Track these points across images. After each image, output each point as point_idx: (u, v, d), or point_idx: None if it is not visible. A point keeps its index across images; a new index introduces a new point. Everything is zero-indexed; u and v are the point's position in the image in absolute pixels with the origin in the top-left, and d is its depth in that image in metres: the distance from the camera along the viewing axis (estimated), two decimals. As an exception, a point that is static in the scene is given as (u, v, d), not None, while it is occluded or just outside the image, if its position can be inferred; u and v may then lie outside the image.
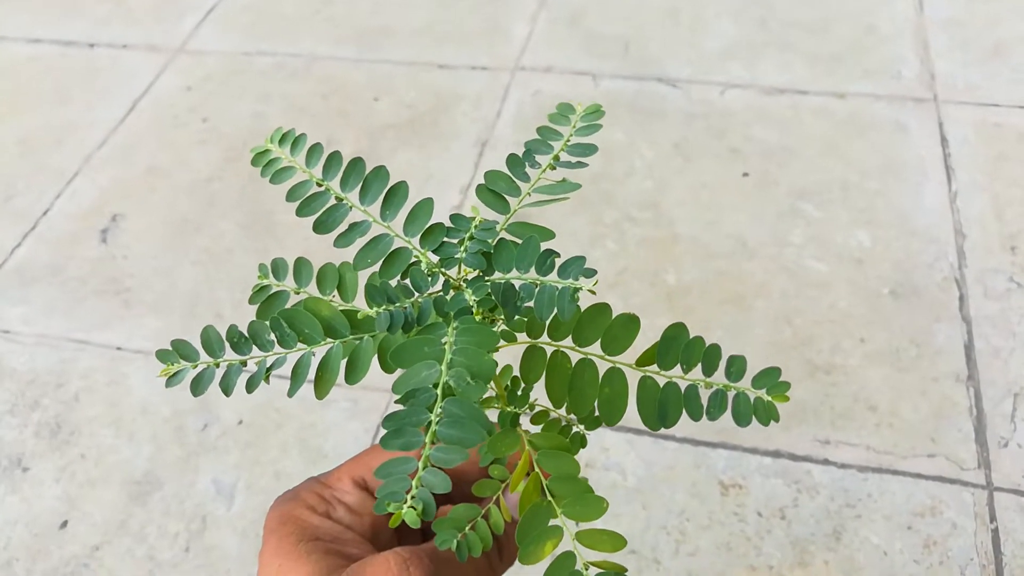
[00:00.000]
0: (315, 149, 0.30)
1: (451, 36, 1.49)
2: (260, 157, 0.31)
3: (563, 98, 1.37)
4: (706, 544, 0.84)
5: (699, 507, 0.87)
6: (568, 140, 0.31)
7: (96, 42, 1.54)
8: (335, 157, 0.30)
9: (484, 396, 0.26)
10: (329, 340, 0.29)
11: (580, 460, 0.92)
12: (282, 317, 0.28)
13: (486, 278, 0.28)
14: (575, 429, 0.33)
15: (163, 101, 1.41)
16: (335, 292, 0.32)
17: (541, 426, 0.33)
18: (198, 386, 0.28)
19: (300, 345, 0.28)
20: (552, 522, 0.28)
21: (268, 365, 0.28)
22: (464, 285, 0.28)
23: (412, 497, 0.23)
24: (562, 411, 0.32)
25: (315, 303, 0.30)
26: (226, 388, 0.29)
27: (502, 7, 1.54)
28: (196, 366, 0.28)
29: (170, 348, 0.28)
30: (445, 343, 0.24)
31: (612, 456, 0.91)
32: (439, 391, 0.23)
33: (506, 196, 0.30)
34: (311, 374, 0.30)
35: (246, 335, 0.28)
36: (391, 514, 0.33)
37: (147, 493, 0.91)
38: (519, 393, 0.32)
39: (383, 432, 0.24)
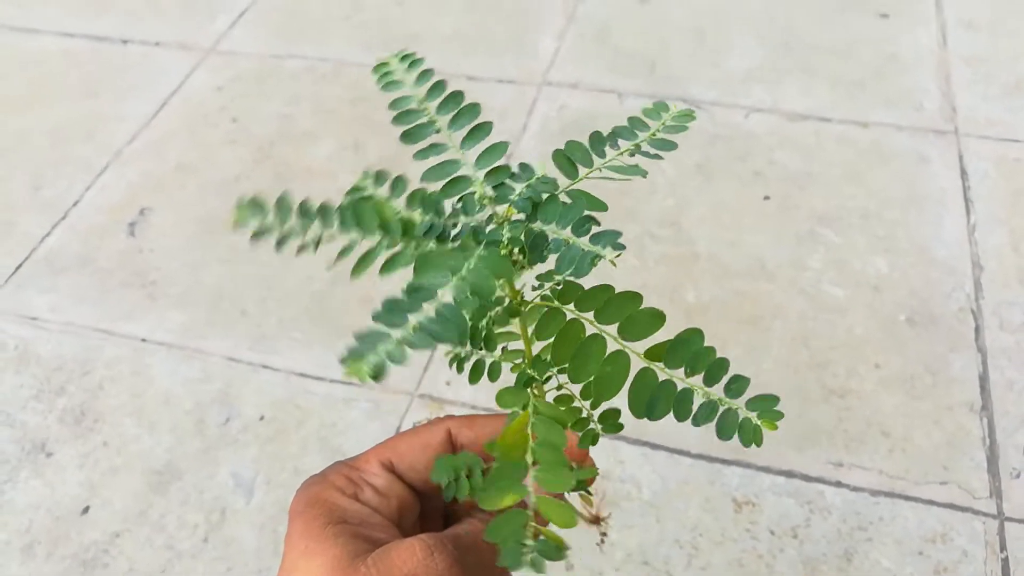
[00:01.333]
0: (426, 74, 0.34)
1: (479, 47, 1.51)
2: (380, 67, 0.34)
3: (588, 114, 1.39)
4: (718, 560, 0.85)
5: (712, 523, 0.88)
6: (655, 133, 0.33)
7: (129, 38, 1.57)
8: (439, 85, 0.33)
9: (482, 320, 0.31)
10: (380, 235, 0.31)
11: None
12: (350, 206, 0.30)
13: (528, 224, 0.30)
14: (591, 425, 0.34)
15: (193, 99, 1.43)
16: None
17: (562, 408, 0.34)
18: (257, 237, 0.29)
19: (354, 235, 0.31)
20: (524, 482, 0.29)
21: (318, 239, 0.30)
22: (506, 223, 0.30)
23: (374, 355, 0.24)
24: (587, 405, 0.34)
25: (382, 205, 0.32)
26: (279, 245, 0.30)
27: (531, 21, 1.56)
28: (263, 223, 0.29)
29: (246, 205, 0.29)
30: (466, 262, 0.26)
31: (627, 469, 0.92)
32: (439, 293, 0.25)
33: (578, 164, 0.32)
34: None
35: (314, 211, 0.30)
36: (416, 501, 0.35)
37: (167, 483, 0.93)
38: (545, 359, 0.33)
39: (379, 309, 0.25)
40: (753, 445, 0.31)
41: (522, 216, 0.30)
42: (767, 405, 0.31)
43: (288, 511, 0.33)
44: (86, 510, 0.91)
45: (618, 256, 0.27)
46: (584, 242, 0.28)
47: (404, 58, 0.34)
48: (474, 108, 0.33)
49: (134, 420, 0.98)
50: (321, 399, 0.99)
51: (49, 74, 1.50)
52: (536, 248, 0.29)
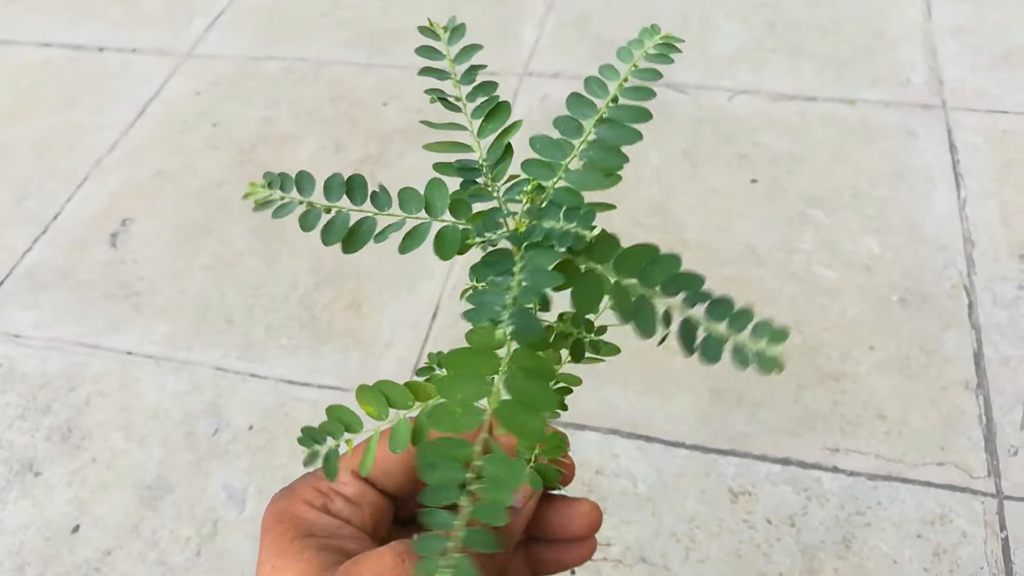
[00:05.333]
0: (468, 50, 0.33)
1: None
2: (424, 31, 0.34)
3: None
4: (716, 551, 0.84)
5: (709, 514, 0.87)
6: (636, 64, 0.32)
7: (106, 46, 1.55)
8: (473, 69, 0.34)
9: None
10: (424, 217, 0.30)
11: (590, 467, 0.91)
12: (387, 188, 0.30)
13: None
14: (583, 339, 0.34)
15: (172, 105, 1.41)
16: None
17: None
18: (280, 212, 0.29)
19: (393, 214, 0.30)
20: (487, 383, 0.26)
21: (350, 220, 0.29)
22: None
23: (509, 316, 0.24)
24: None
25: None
26: (304, 224, 0.30)
27: (511, 11, 1.54)
28: (284, 198, 0.29)
29: (263, 180, 0.29)
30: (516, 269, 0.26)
31: (622, 463, 0.91)
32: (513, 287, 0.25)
33: (551, 162, 0.31)
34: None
35: (344, 184, 0.30)
36: (390, 507, 0.34)
37: (158, 498, 0.92)
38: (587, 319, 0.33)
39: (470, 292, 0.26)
40: (776, 372, 0.28)
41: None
42: (768, 328, 0.29)
43: (260, 527, 0.32)
44: (76, 528, 0.90)
45: (598, 232, 0.28)
46: (571, 225, 0.29)
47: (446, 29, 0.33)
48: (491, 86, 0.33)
49: (123, 435, 0.97)
50: (310, 405, 0.98)
51: (28, 85, 1.48)
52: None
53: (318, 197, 0.30)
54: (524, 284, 0.25)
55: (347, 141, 1.31)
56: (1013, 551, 0.82)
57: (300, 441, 0.32)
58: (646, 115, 0.30)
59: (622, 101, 0.31)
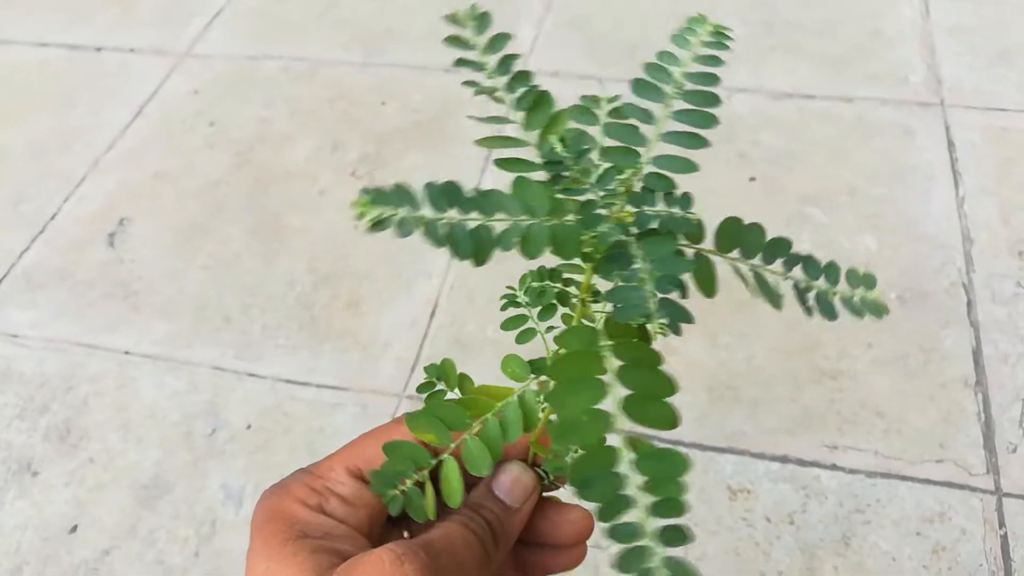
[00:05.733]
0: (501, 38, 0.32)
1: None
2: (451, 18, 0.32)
3: (569, 102, 1.37)
4: (715, 549, 0.84)
5: (707, 512, 0.87)
6: (686, 70, 0.30)
7: (103, 46, 1.55)
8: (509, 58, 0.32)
9: None
10: (525, 219, 0.29)
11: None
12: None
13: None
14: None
15: (170, 105, 1.41)
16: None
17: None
18: (401, 229, 0.27)
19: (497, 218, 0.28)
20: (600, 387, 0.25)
21: (464, 226, 0.27)
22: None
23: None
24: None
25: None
26: (439, 239, 0.28)
27: (508, 11, 1.54)
28: (397, 214, 0.27)
29: (365, 198, 0.27)
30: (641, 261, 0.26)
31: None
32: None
33: (631, 148, 0.31)
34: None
35: (447, 192, 0.29)
36: (385, 506, 0.33)
37: (156, 498, 0.92)
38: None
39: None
40: (884, 314, 0.28)
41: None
42: (856, 276, 0.29)
43: (250, 524, 0.31)
44: (74, 529, 0.90)
45: (697, 218, 0.28)
46: (676, 211, 0.28)
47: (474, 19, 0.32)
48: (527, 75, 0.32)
49: (120, 435, 0.97)
50: (307, 405, 0.98)
51: (25, 85, 1.48)
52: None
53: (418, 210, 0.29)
54: (656, 274, 0.25)
55: (345, 141, 1.31)
56: (1012, 548, 0.82)
57: (373, 488, 0.32)
58: (716, 99, 0.29)
59: (688, 86, 0.30)
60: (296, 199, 1.22)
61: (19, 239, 1.20)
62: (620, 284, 0.26)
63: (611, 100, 0.31)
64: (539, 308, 0.36)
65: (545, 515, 0.34)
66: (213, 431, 0.97)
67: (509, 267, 0.38)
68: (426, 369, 0.36)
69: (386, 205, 0.25)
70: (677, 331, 0.24)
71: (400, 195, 0.25)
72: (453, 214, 0.25)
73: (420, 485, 0.32)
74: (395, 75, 1.43)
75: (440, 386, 0.36)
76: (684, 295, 0.26)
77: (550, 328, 0.35)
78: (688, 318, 0.24)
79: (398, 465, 0.32)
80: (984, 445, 0.90)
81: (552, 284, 0.36)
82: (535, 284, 0.36)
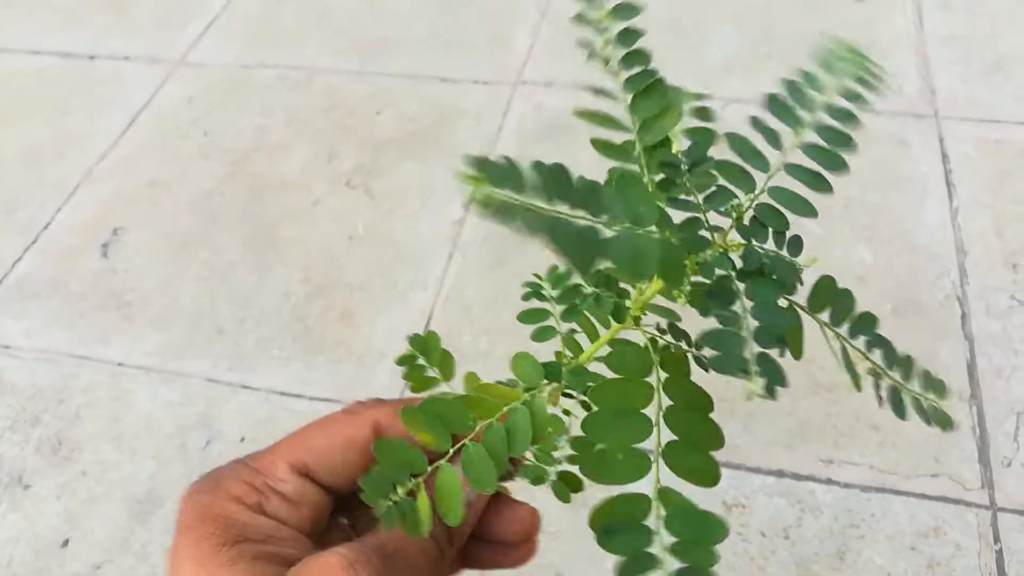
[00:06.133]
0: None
1: (453, 48, 1.49)
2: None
3: (564, 112, 1.37)
4: (710, 564, 0.84)
5: (703, 527, 0.87)
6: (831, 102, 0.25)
7: (97, 54, 1.54)
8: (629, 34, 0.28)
9: None
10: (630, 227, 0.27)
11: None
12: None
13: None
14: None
15: (164, 113, 1.41)
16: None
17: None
18: (506, 217, 0.22)
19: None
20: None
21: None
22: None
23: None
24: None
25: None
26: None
27: (504, 18, 1.54)
28: (507, 198, 0.21)
29: (478, 168, 0.21)
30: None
31: (615, 475, 0.91)
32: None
33: (750, 172, 0.27)
34: None
35: (558, 177, 0.26)
36: (329, 503, 0.30)
37: (149, 511, 0.91)
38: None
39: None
40: (949, 429, 0.26)
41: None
42: (930, 380, 0.26)
43: (175, 523, 0.28)
44: (66, 542, 0.89)
45: (815, 262, 0.25)
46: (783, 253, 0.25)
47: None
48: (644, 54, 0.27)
49: (113, 447, 0.97)
50: (302, 416, 0.97)
51: (18, 93, 1.47)
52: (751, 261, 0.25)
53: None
54: (757, 324, 0.21)
55: (340, 149, 1.31)
56: (1007, 563, 0.82)
57: (365, 499, 0.28)
58: (851, 142, 0.25)
59: (826, 121, 0.26)
60: (290, 209, 1.22)
61: (12, 248, 1.20)
62: (719, 327, 0.22)
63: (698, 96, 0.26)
64: (563, 307, 0.33)
65: (495, 510, 0.32)
66: (207, 443, 0.96)
67: (506, 275, 0.38)
68: (410, 340, 0.33)
69: (499, 183, 0.20)
70: (773, 395, 0.21)
71: (509, 173, 0.20)
72: (563, 208, 0.20)
73: (412, 494, 0.27)
74: (391, 84, 1.42)
75: (421, 360, 0.33)
76: (783, 353, 0.23)
77: (572, 332, 0.32)
78: (784, 382, 0.21)
79: (391, 470, 0.28)
80: (979, 459, 0.90)
81: (607, 292, 0.31)
82: (570, 283, 0.33)
